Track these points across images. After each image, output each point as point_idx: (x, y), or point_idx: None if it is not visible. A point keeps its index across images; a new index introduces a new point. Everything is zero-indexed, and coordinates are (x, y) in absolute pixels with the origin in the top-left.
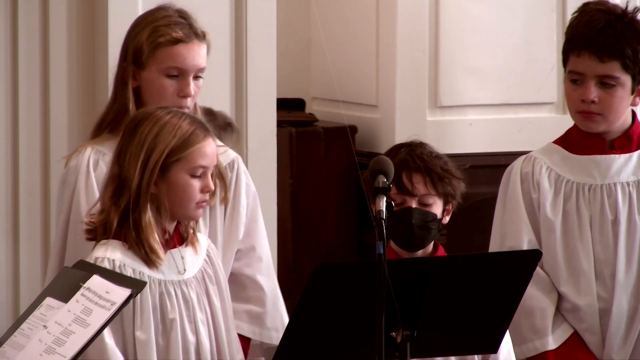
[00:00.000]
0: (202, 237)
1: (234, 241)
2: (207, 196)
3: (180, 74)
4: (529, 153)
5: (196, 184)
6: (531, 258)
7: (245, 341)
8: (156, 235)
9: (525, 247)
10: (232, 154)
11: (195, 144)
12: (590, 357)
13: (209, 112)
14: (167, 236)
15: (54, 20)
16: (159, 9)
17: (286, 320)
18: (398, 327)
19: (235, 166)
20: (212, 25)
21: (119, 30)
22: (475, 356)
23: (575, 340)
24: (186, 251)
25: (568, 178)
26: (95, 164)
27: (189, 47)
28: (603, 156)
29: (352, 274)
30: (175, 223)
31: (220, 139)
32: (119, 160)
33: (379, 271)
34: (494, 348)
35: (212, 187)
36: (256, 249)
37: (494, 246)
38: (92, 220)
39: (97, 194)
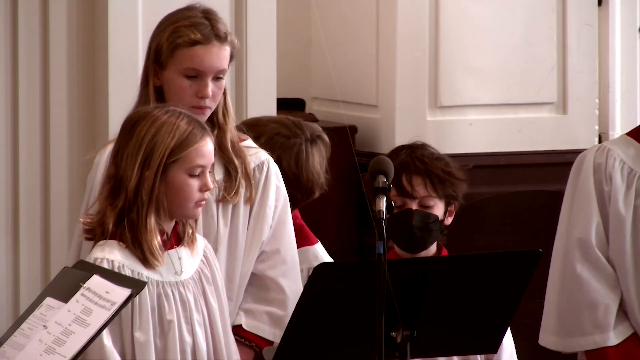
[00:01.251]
0: (199, 238)
1: (257, 242)
2: (205, 195)
3: (199, 75)
4: (602, 143)
5: (194, 183)
6: (531, 258)
7: (266, 343)
8: (159, 239)
9: (593, 238)
10: (263, 156)
11: (194, 144)
12: None
13: (297, 125)
14: (165, 237)
15: (54, 20)
16: (185, 8)
17: None
18: (398, 327)
19: (265, 168)
20: None
21: (119, 30)
22: (478, 356)
23: (636, 339)
24: (183, 252)
25: None
26: None
27: (207, 48)
28: None
29: (352, 274)
30: (173, 223)
31: (308, 153)
32: (116, 160)
33: (379, 271)
34: (494, 348)
35: (211, 185)
36: (281, 252)
37: (561, 235)
38: (89, 220)
39: None
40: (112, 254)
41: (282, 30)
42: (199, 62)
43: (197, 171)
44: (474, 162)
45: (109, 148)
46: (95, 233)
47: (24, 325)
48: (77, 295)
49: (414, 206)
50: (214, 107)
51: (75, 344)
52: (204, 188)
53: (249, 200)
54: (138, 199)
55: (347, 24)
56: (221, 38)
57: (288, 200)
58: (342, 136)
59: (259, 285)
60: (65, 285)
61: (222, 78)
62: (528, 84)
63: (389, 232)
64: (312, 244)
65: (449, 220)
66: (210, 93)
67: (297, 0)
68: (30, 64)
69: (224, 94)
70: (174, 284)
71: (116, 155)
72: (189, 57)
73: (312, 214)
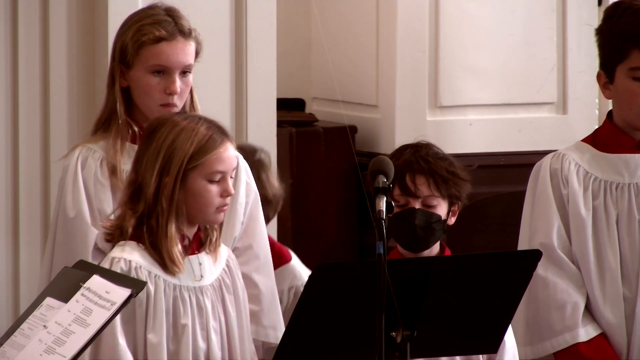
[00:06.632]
0: (224, 247)
1: (229, 238)
2: (227, 200)
3: (165, 72)
4: (557, 150)
5: (214, 189)
6: (531, 258)
7: None
8: (179, 246)
9: (555, 242)
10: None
11: (213, 150)
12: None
13: (248, 145)
14: (186, 242)
15: (54, 20)
16: (147, 7)
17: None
18: (398, 327)
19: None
20: (212, 25)
21: None
22: (480, 356)
23: (605, 337)
24: (204, 258)
25: (596, 176)
26: (84, 162)
27: (172, 44)
28: (632, 155)
29: (352, 274)
30: (195, 229)
31: (269, 167)
32: (137, 166)
33: (379, 271)
34: (494, 348)
35: (232, 191)
36: (253, 247)
37: (523, 242)
38: (110, 224)
39: (83, 192)
40: (130, 255)
41: (282, 30)
42: (165, 58)
43: (217, 177)
44: (473, 162)
45: (77, 152)
46: (114, 235)
47: (24, 325)
48: (77, 295)
49: (417, 205)
50: (181, 105)
51: (75, 344)
52: (224, 194)
53: None
54: (158, 206)
55: (347, 24)
56: (185, 34)
57: (259, 196)
58: (342, 136)
59: None
60: (65, 285)
61: (189, 74)
62: (528, 84)
63: (391, 231)
64: (287, 261)
65: (452, 220)
66: (178, 89)
67: (297, 0)
68: (30, 64)
69: (191, 91)
70: (192, 289)
71: (137, 162)
72: (155, 54)
73: (312, 214)
